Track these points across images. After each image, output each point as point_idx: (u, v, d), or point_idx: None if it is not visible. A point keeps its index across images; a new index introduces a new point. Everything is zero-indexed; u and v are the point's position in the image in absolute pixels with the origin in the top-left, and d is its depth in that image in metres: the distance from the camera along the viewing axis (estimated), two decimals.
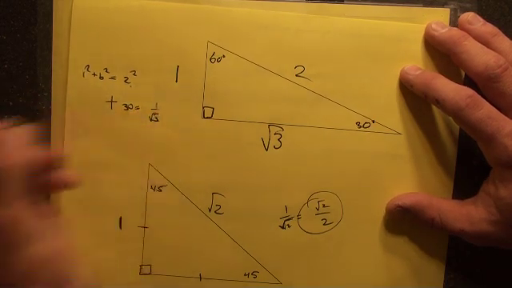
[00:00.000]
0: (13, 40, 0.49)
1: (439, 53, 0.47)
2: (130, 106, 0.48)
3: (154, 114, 0.48)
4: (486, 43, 0.45)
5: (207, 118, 0.48)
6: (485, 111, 0.43)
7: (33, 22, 0.49)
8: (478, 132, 0.43)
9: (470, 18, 0.46)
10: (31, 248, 0.38)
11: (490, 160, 0.44)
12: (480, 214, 0.44)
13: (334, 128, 0.48)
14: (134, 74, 0.48)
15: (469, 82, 0.46)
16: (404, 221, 0.48)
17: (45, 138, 0.48)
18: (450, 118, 0.46)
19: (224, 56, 0.48)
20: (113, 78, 0.48)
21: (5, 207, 0.38)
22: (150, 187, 0.49)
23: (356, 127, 0.48)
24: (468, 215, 0.45)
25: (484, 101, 0.43)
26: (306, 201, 0.49)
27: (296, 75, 0.48)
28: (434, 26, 0.46)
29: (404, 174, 0.48)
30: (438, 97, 0.44)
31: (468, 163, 0.49)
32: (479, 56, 0.44)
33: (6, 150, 0.39)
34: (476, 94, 0.43)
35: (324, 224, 0.49)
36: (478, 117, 0.42)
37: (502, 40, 0.45)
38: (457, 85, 0.44)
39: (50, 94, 0.49)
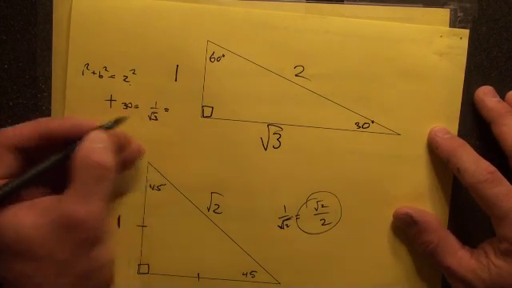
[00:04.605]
0: (13, 40, 0.50)
1: (438, 55, 0.47)
2: (130, 105, 0.48)
3: (154, 112, 0.48)
4: None
5: (206, 117, 0.48)
6: (503, 188, 0.43)
7: (33, 21, 0.49)
8: (492, 207, 0.43)
9: None
10: (99, 247, 0.40)
11: (500, 235, 0.44)
12: (472, 264, 0.45)
13: (333, 128, 0.48)
14: (134, 73, 0.48)
15: (465, 108, 0.48)
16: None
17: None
18: (448, 118, 0.47)
19: (224, 55, 0.48)
20: (112, 76, 0.48)
21: (99, 203, 0.39)
22: (148, 186, 0.49)
23: (355, 127, 0.48)
24: (461, 258, 0.45)
25: (505, 180, 0.44)
26: (304, 201, 0.49)
27: (295, 75, 0.48)
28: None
29: (403, 175, 0.48)
30: (459, 166, 0.45)
31: None
32: None
33: (105, 152, 0.40)
34: (498, 171, 0.44)
35: (323, 224, 0.49)
36: (494, 192, 0.43)
37: None
38: (480, 158, 0.45)
39: (50, 94, 0.49)
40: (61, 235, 0.38)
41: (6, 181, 0.39)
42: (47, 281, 0.38)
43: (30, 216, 0.38)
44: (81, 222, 0.38)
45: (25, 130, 0.41)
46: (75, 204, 0.38)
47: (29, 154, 0.41)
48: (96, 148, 0.40)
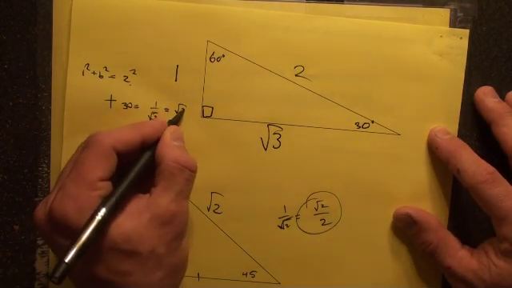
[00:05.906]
0: (13, 40, 0.50)
1: (438, 55, 0.47)
2: (130, 105, 0.48)
3: (154, 113, 0.48)
4: None
5: (206, 117, 0.48)
6: (502, 189, 0.43)
7: (33, 22, 0.49)
8: (492, 208, 0.43)
9: None
10: (184, 240, 0.44)
11: (500, 235, 0.44)
12: (472, 264, 0.45)
13: (333, 128, 0.48)
14: (134, 73, 0.48)
15: (465, 108, 0.48)
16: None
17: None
18: (448, 119, 0.47)
19: (224, 55, 0.48)
20: (112, 76, 0.48)
21: (186, 200, 0.44)
22: None
23: (355, 127, 0.48)
24: (461, 258, 0.45)
25: (504, 180, 0.44)
26: (304, 201, 0.49)
27: (295, 75, 0.48)
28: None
29: (403, 175, 0.48)
30: (459, 167, 0.45)
31: None
32: None
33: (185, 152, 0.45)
34: (497, 172, 0.44)
35: (323, 224, 0.49)
36: (494, 193, 0.43)
37: None
38: (480, 159, 0.45)
39: (50, 94, 0.49)
40: (159, 230, 0.42)
41: (108, 183, 0.42)
42: (146, 277, 0.41)
43: (133, 220, 0.41)
44: (174, 218, 0.42)
45: (127, 134, 0.43)
46: (169, 201, 0.42)
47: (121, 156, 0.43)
48: (184, 151, 0.45)
